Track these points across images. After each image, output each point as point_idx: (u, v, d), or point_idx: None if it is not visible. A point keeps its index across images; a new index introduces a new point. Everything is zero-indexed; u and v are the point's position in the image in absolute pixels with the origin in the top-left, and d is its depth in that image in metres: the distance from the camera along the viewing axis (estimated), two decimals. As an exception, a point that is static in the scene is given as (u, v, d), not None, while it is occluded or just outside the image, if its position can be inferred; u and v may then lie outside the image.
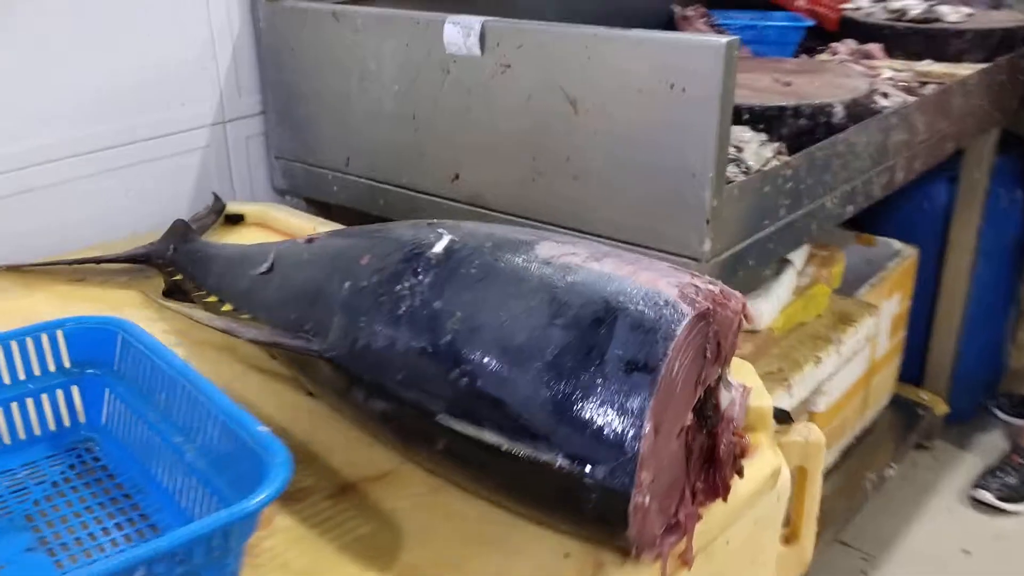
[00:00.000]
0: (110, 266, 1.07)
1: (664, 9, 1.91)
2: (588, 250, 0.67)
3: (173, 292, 0.98)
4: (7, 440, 0.72)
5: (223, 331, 0.75)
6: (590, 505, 0.58)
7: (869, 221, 1.90)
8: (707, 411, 0.65)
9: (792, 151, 1.14)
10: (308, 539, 0.64)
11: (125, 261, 1.04)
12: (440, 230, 0.72)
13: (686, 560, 0.64)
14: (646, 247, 1.00)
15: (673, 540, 0.62)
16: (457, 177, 1.15)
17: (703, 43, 0.90)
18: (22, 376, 0.72)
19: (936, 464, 2.04)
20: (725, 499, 0.66)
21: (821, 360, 1.29)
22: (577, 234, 1.04)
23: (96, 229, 1.20)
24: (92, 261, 1.05)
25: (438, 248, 0.69)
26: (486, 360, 0.61)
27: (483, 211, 1.13)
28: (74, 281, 1.05)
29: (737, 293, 0.67)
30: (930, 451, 2.06)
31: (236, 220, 1.23)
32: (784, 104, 1.18)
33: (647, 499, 0.57)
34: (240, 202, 1.30)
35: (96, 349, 0.74)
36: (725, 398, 0.67)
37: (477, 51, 1.06)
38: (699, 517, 0.64)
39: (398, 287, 0.68)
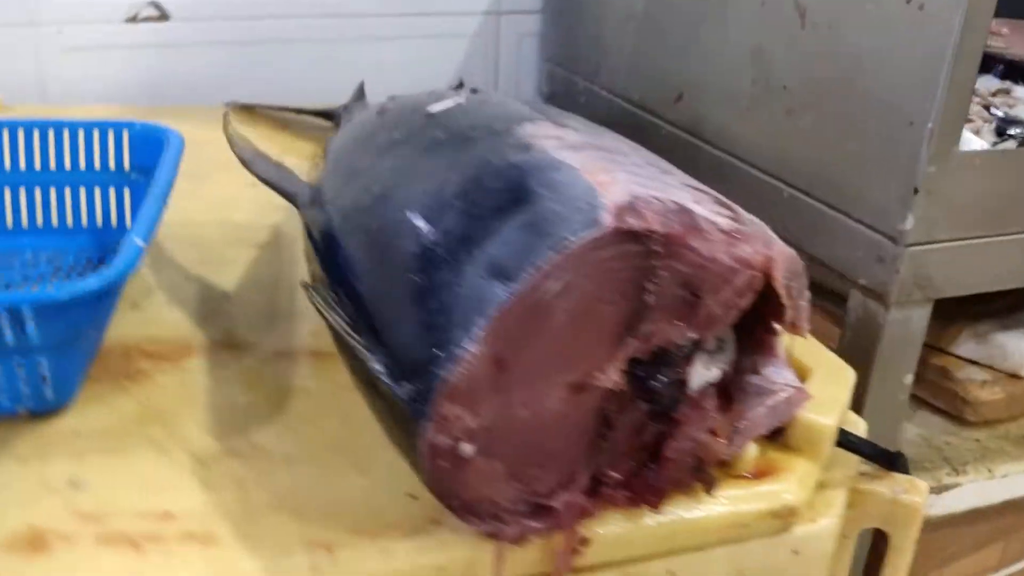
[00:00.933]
0: (317, 122, 1.07)
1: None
2: (583, 139, 0.51)
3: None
4: (55, 223, 0.74)
5: (240, 159, 0.70)
6: (403, 434, 0.43)
7: None
8: (659, 383, 0.46)
9: None
10: (194, 386, 0.57)
11: (314, 115, 1.04)
12: (458, 98, 0.59)
13: (564, 566, 0.46)
14: (844, 212, 0.77)
15: (534, 526, 0.45)
16: (680, 98, 0.98)
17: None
18: (82, 166, 0.73)
19: None
20: (654, 507, 0.47)
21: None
22: (780, 183, 0.83)
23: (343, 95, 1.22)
24: (293, 110, 1.07)
25: (436, 107, 0.57)
26: (374, 232, 0.49)
27: (698, 141, 0.95)
28: (279, 127, 1.08)
29: (777, 244, 0.47)
30: None
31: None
32: None
33: (466, 447, 0.42)
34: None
35: (154, 158, 0.72)
36: (698, 376, 0.47)
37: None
38: (591, 513, 0.46)
39: (373, 141, 0.57)
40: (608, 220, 0.41)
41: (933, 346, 0.91)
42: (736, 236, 0.45)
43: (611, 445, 0.46)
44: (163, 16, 1.14)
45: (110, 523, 0.45)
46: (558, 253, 0.40)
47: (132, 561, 0.43)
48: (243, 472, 0.49)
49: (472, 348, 0.40)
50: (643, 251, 0.43)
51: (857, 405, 0.78)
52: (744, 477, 0.52)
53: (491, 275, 0.41)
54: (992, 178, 0.72)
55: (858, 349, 0.78)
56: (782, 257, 0.47)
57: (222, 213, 0.81)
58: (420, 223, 0.46)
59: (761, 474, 0.52)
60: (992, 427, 0.89)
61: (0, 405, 0.51)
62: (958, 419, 0.90)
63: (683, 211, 0.44)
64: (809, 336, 0.62)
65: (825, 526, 0.54)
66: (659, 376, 0.46)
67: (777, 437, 0.55)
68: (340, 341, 0.47)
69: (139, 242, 0.52)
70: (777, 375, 0.54)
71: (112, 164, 0.74)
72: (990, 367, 0.89)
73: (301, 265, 0.61)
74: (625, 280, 0.43)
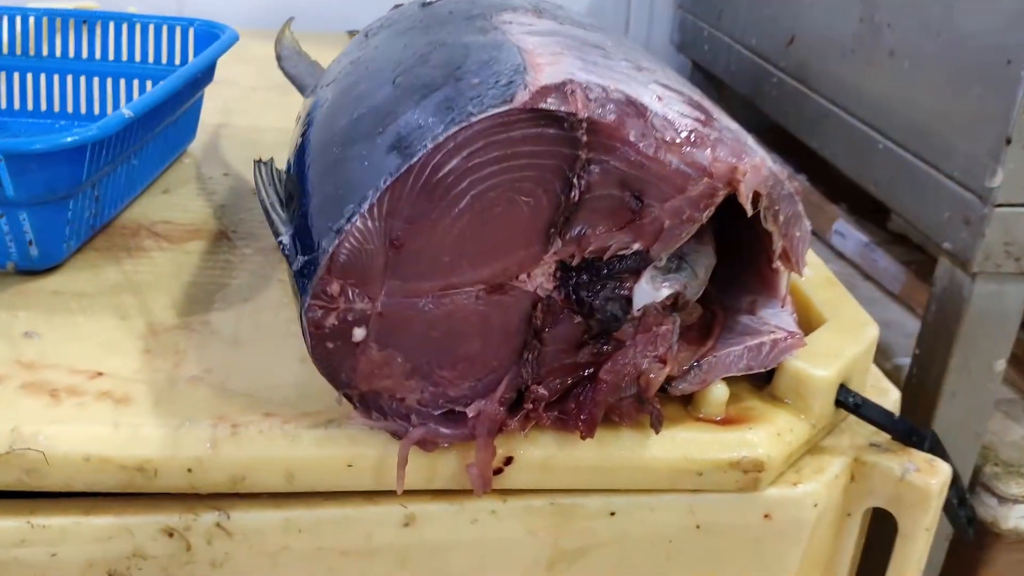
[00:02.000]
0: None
1: None
2: (551, 26, 0.46)
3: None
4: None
5: (277, 55, 0.69)
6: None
7: None
8: (598, 296, 0.42)
9: None
10: (183, 266, 0.57)
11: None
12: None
13: (479, 478, 0.43)
14: (935, 166, 0.68)
15: (445, 434, 0.42)
16: (792, 40, 0.90)
17: None
18: (151, 59, 0.76)
19: None
20: (583, 435, 0.43)
21: None
22: (876, 133, 0.75)
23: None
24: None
25: (431, -3, 0.54)
26: (327, 110, 0.46)
27: (804, 90, 0.87)
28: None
29: (750, 155, 0.41)
30: None
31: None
32: None
33: (353, 329, 0.39)
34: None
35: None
36: (643, 293, 0.42)
37: None
38: (505, 426, 0.42)
39: (366, 40, 0.55)
40: (522, 96, 0.37)
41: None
42: (695, 140, 0.40)
43: (540, 358, 0.42)
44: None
45: (42, 373, 0.46)
46: (458, 127, 0.37)
47: (43, 408, 0.43)
48: (185, 345, 0.49)
49: (358, 222, 0.37)
50: (566, 138, 0.38)
51: (934, 391, 0.70)
52: (710, 421, 0.46)
53: (392, 149, 0.38)
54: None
55: (943, 325, 0.69)
56: (755, 171, 0.41)
57: (290, 122, 0.82)
58: (359, 100, 0.44)
59: (730, 421, 0.46)
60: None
61: (-13, 257, 0.53)
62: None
63: (628, 103, 0.39)
64: (839, 285, 0.55)
65: (806, 492, 0.47)
66: (596, 287, 0.42)
67: (765, 386, 0.49)
68: (268, 219, 0.45)
69: (127, 112, 0.53)
70: (772, 317, 0.48)
71: (179, 59, 0.76)
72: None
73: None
74: (546, 169, 0.39)
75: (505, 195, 0.38)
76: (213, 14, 1.16)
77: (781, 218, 0.44)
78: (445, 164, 0.37)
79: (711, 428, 0.46)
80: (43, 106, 0.76)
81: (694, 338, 0.46)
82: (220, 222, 0.63)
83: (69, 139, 0.49)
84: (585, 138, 0.38)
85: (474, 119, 0.37)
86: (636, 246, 0.41)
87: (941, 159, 0.66)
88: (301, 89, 0.63)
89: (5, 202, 0.51)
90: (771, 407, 0.48)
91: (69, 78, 0.76)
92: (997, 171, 0.60)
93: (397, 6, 0.59)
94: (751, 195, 0.41)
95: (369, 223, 0.37)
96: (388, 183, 0.37)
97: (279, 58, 0.67)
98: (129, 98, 0.76)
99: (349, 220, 0.37)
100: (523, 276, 0.41)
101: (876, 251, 0.96)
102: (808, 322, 0.52)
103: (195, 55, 0.75)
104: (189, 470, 0.42)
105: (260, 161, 0.49)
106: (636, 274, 0.42)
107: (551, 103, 0.37)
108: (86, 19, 0.76)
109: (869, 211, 0.94)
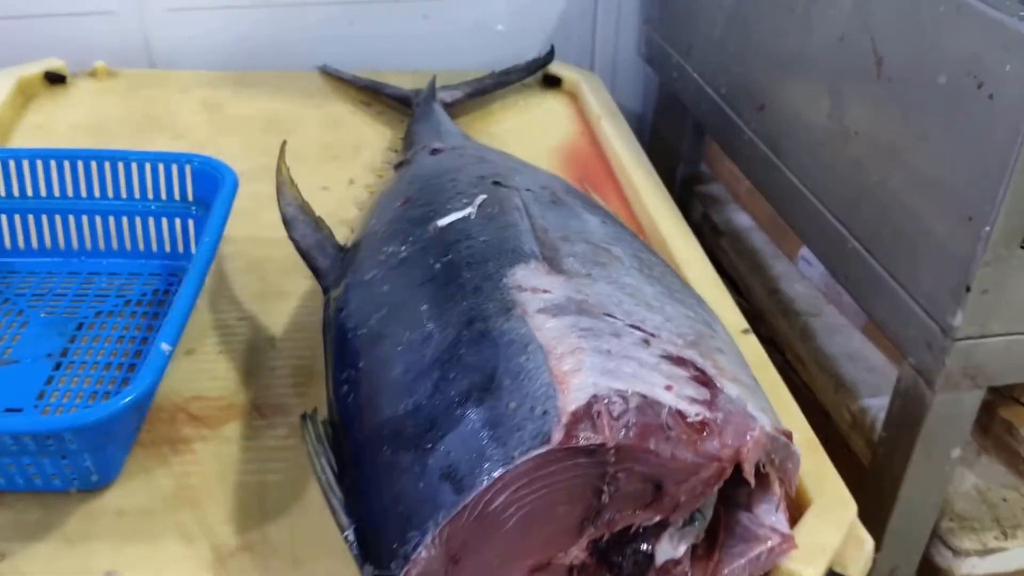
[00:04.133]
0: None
1: None
2: (570, 292, 0.51)
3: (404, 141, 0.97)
4: (128, 247, 0.79)
5: (283, 217, 0.72)
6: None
7: None
8: (627, 557, 0.48)
9: None
10: (228, 460, 0.62)
11: (391, 98, 1.05)
12: (478, 199, 0.59)
13: None
14: (900, 284, 0.73)
15: None
16: (762, 108, 0.94)
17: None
18: (151, 195, 0.78)
19: None
20: None
21: None
22: (845, 231, 0.80)
23: (440, 58, 1.20)
24: (374, 89, 1.08)
25: (443, 221, 0.58)
26: (365, 374, 0.51)
27: (774, 158, 0.92)
28: (363, 102, 1.09)
29: (751, 429, 0.47)
30: None
31: (554, 83, 1.15)
32: None
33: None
34: (568, 65, 1.19)
35: (213, 190, 0.76)
36: (665, 551, 0.49)
37: (812, -40, 0.82)
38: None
39: (384, 248, 0.59)
40: (558, 437, 0.43)
41: (1006, 394, 0.87)
42: (704, 430, 0.46)
43: (579, 614, 0.49)
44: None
45: (131, 622, 0.52)
46: (507, 470, 0.42)
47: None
48: (251, 571, 0.55)
49: (423, 552, 0.43)
50: (597, 461, 0.44)
51: (900, 472, 0.78)
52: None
53: (446, 479, 0.44)
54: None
55: (905, 419, 0.76)
56: (756, 446, 0.47)
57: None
58: (402, 389, 0.48)
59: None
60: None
61: (53, 485, 0.58)
62: (1019, 472, 0.87)
63: (645, 408, 0.45)
64: (820, 450, 0.62)
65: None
66: (623, 550, 0.48)
67: None
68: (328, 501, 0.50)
69: (166, 348, 0.57)
70: (767, 516, 0.54)
71: (177, 195, 0.78)
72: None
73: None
74: (579, 486, 0.44)
75: (546, 508, 0.44)
76: (182, 58, 1.16)
77: (777, 462, 0.50)
78: (494, 500, 0.43)
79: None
80: (48, 244, 0.79)
81: (703, 550, 0.53)
82: (248, 392, 0.68)
83: (127, 400, 0.53)
84: (613, 458, 0.44)
85: (519, 461, 0.42)
86: (657, 518, 0.47)
87: (909, 282, 0.72)
88: (315, 270, 0.66)
89: (69, 453, 0.55)
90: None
91: (71, 218, 0.78)
92: (958, 312, 0.67)
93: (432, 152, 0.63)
94: (753, 465, 0.47)
95: (432, 551, 0.43)
96: (446, 520, 0.43)
97: (287, 223, 0.70)
98: (132, 234, 0.78)
99: (415, 549, 0.43)
100: (561, 555, 0.47)
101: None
102: (798, 499, 0.59)
103: (193, 191, 0.77)
104: None
105: (306, 417, 0.54)
106: (656, 534, 0.48)
107: (584, 436, 0.43)
108: (82, 158, 0.78)
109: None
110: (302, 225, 0.69)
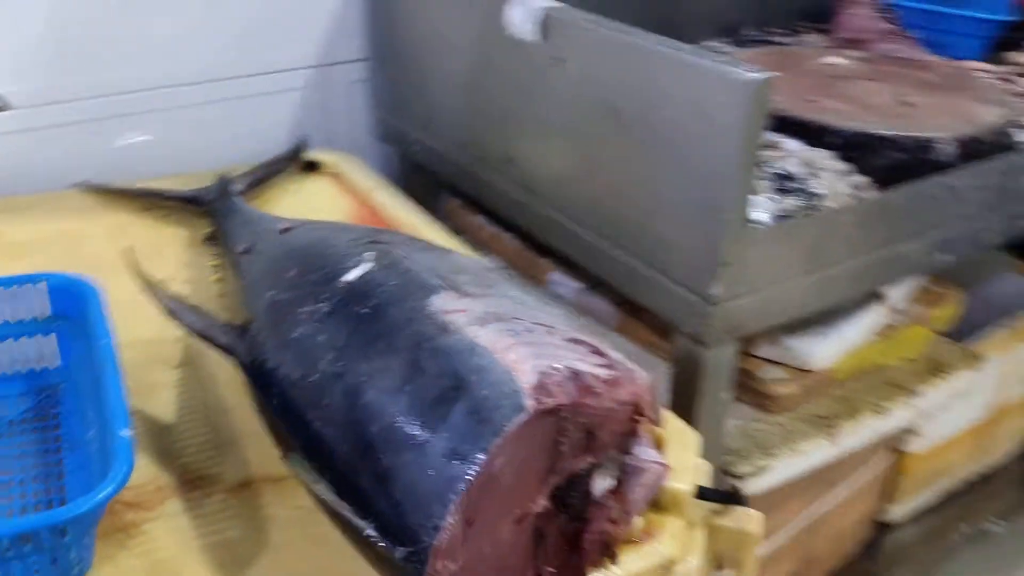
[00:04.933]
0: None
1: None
2: (482, 307, 0.65)
3: (211, 239, 1.04)
4: (-4, 370, 0.80)
5: (169, 311, 0.79)
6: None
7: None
8: (574, 496, 0.63)
9: (883, 187, 1.03)
10: (184, 532, 0.68)
11: (178, 200, 1.11)
12: (367, 253, 0.71)
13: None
14: (666, 276, 0.95)
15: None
16: (510, 160, 1.13)
17: (731, 77, 0.82)
18: (6, 318, 0.80)
19: (1067, 525, 1.83)
20: (583, 583, 0.64)
21: (886, 411, 1.18)
22: (606, 245, 1.01)
23: (194, 159, 1.27)
24: (152, 195, 1.13)
25: (351, 276, 0.70)
26: (336, 409, 0.61)
27: (530, 201, 1.11)
28: (142, 209, 1.14)
29: (636, 380, 0.63)
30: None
31: (312, 167, 1.27)
32: (881, 132, 1.06)
33: (449, 583, 0.57)
34: (335, 147, 1.33)
35: (74, 303, 0.80)
36: (599, 485, 0.64)
37: (536, 37, 1.02)
38: (534, 604, 0.62)
39: (303, 309, 0.69)
40: (531, 405, 0.57)
41: (741, 350, 1.12)
42: (616, 384, 0.62)
43: (545, 549, 0.62)
44: (4, 107, 1.16)
45: None
46: (500, 437, 0.55)
47: None
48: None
49: (450, 519, 0.55)
50: (556, 417, 0.58)
51: (690, 421, 0.98)
52: (635, 542, 0.69)
53: (452, 458, 0.56)
54: (776, 243, 0.92)
55: (685, 375, 0.98)
56: (646, 388, 0.64)
57: (131, 330, 0.89)
58: (381, 407, 0.59)
59: (647, 535, 0.70)
60: (791, 412, 1.12)
61: (37, 586, 0.61)
62: (764, 409, 1.12)
63: (576, 376, 0.60)
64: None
65: (694, 564, 0.72)
66: (572, 494, 0.62)
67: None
68: (325, 504, 0.60)
69: (127, 433, 0.63)
70: (644, 453, 0.71)
71: (35, 313, 0.81)
72: (784, 364, 1.12)
73: (220, 385, 0.77)
74: (548, 440, 0.58)
75: (525, 463, 0.58)
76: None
77: (654, 403, 0.67)
78: (493, 465, 0.56)
79: (639, 547, 0.69)
80: None
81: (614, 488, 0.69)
82: (169, 472, 0.73)
83: (119, 479, 0.58)
84: (565, 416, 0.58)
85: (509, 429, 0.56)
86: (591, 460, 0.62)
87: (672, 270, 0.94)
88: (221, 347, 0.74)
89: (59, 547, 0.59)
90: (662, 517, 0.71)
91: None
92: (717, 283, 0.89)
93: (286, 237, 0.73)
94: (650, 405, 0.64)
95: (453, 518, 0.55)
96: (462, 488, 0.55)
97: (173, 314, 0.76)
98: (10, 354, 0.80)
99: (442, 519, 0.54)
100: (532, 505, 0.60)
101: (590, 296, 1.24)
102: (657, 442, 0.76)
103: (52, 306, 0.80)
104: None
105: (291, 456, 0.63)
106: (590, 475, 0.63)
107: (546, 402, 0.57)
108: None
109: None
110: (187, 313, 0.76)
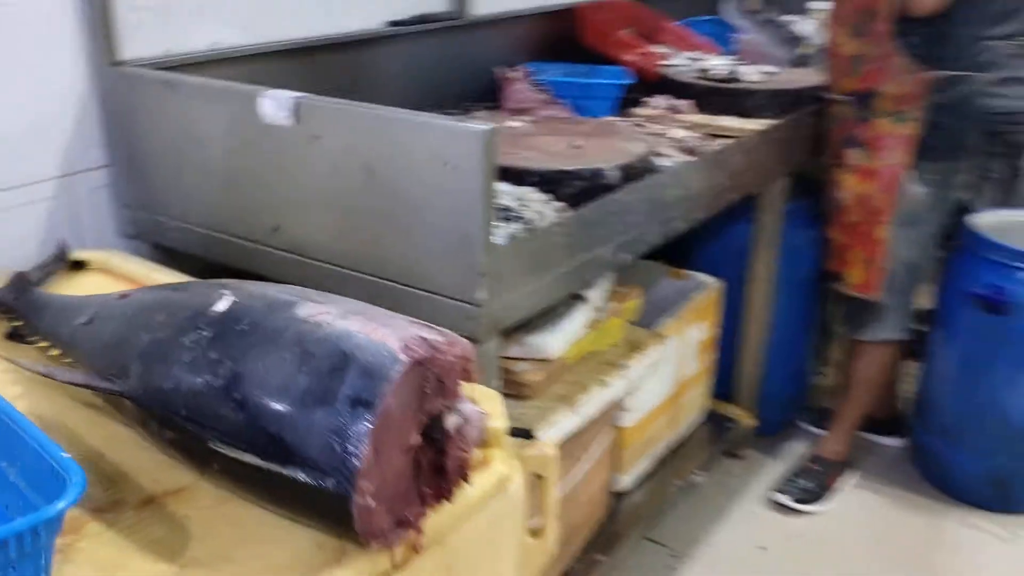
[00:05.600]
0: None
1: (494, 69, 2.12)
2: (340, 308, 0.85)
3: (14, 336, 1.12)
4: None
5: (44, 375, 0.90)
6: (327, 507, 0.75)
7: (685, 257, 2.14)
8: (435, 433, 0.84)
9: (576, 208, 1.35)
10: (114, 541, 0.80)
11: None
12: (224, 291, 0.88)
13: (416, 548, 0.81)
14: (438, 294, 1.18)
15: (403, 533, 0.80)
16: (278, 228, 1.32)
17: (466, 130, 1.09)
18: None
19: (746, 472, 2.28)
20: (450, 501, 0.85)
21: (608, 384, 1.50)
22: (381, 281, 1.23)
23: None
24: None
25: (219, 307, 0.86)
26: (249, 398, 0.78)
27: (303, 259, 1.30)
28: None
29: (463, 341, 0.86)
30: (742, 460, 2.31)
31: (80, 266, 1.36)
32: (565, 168, 1.39)
33: (370, 502, 0.75)
34: (86, 249, 1.42)
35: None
36: (451, 422, 0.85)
37: (291, 122, 1.23)
38: (426, 515, 0.82)
39: (185, 339, 0.84)
40: (404, 359, 0.77)
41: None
42: (450, 345, 0.84)
43: (422, 474, 0.82)
44: None
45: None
46: (390, 383, 0.76)
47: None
48: (205, 576, 0.76)
49: (364, 449, 0.74)
50: (422, 368, 0.79)
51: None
52: (477, 468, 0.91)
53: (356, 406, 0.75)
54: (513, 257, 1.20)
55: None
56: (471, 348, 0.87)
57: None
58: (286, 388, 0.77)
59: (484, 463, 0.92)
60: (542, 395, 1.40)
61: (4, 603, 0.70)
62: (522, 396, 1.39)
63: (425, 340, 0.82)
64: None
65: (518, 481, 0.95)
66: (434, 431, 0.83)
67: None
68: (251, 479, 0.76)
69: (67, 455, 0.74)
70: (467, 407, 0.94)
71: None
72: (529, 359, 1.40)
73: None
74: (418, 385, 0.79)
75: (406, 403, 0.78)
76: None
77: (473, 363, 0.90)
78: (388, 404, 0.76)
79: (482, 471, 0.91)
80: None
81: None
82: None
83: (79, 488, 0.70)
84: (425, 366, 0.80)
85: (396, 376, 0.76)
86: (444, 403, 0.84)
87: (442, 289, 1.18)
88: (94, 387, 0.86)
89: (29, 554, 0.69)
90: (492, 450, 0.94)
91: None
92: (482, 290, 1.14)
93: (128, 301, 0.87)
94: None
95: (368, 447, 0.74)
96: (371, 425, 0.74)
97: (48, 375, 0.87)
98: None
99: (359, 449, 0.73)
100: (411, 439, 0.81)
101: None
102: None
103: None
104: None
105: (212, 444, 0.77)
106: (444, 416, 0.85)
107: (414, 355, 0.78)
108: None
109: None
110: (61, 372, 0.87)
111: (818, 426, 2.40)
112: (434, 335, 0.83)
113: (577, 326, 1.49)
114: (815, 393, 2.50)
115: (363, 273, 1.24)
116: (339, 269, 1.27)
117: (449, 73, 1.99)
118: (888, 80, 1.95)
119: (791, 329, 2.29)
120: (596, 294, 1.58)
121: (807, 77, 2.17)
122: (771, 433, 2.38)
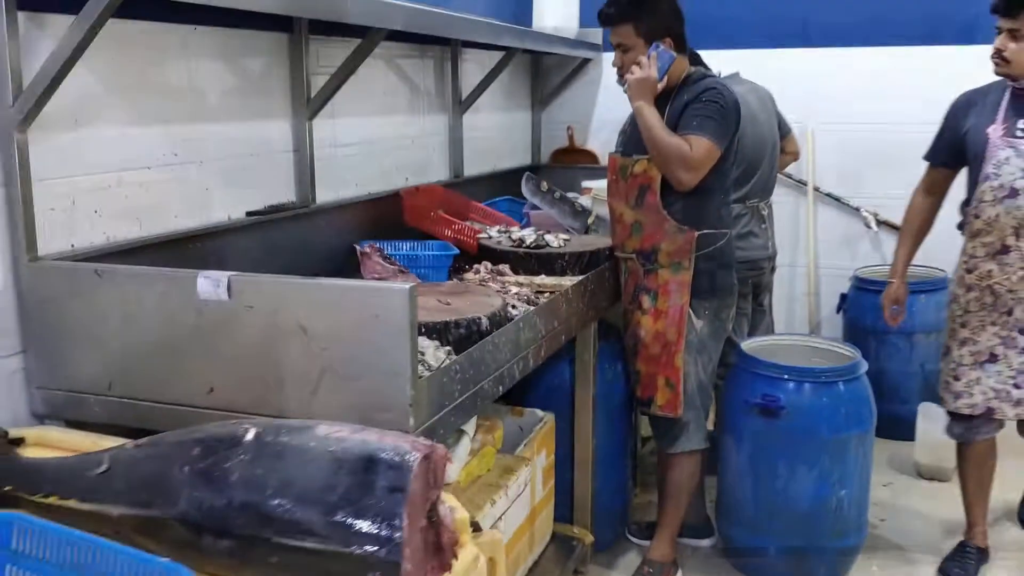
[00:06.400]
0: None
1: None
2: (350, 427, 1.08)
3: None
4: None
5: (90, 513, 1.04)
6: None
7: (520, 397, 2.46)
8: (433, 517, 1.07)
9: (458, 352, 1.63)
10: None
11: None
12: (246, 425, 1.09)
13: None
14: (371, 425, 1.41)
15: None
16: (212, 390, 1.50)
17: (392, 288, 1.37)
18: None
19: (590, 585, 2.55)
20: (448, 570, 1.07)
21: (495, 502, 1.75)
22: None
23: None
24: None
25: (249, 436, 1.07)
26: (303, 497, 0.99)
27: (236, 414, 1.49)
28: None
29: (439, 445, 1.11)
30: (585, 575, 2.58)
31: (18, 442, 1.46)
32: (447, 319, 1.68)
33: (410, 567, 0.97)
34: (19, 427, 1.52)
35: (-13, 539, 1.00)
36: (442, 510, 1.10)
37: (225, 297, 1.45)
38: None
39: (228, 464, 1.04)
40: (417, 454, 1.02)
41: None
42: (435, 445, 1.09)
43: (429, 548, 1.05)
44: None
45: None
46: (413, 471, 1.00)
47: None
48: None
49: (405, 521, 0.97)
50: (428, 461, 1.04)
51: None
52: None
53: (393, 491, 0.98)
54: (428, 388, 1.46)
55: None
56: (443, 450, 1.12)
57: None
58: (330, 487, 0.99)
59: (462, 544, 1.15)
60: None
61: None
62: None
63: (420, 442, 1.07)
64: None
65: (482, 561, 1.19)
66: (432, 515, 1.07)
67: (444, 531, 1.18)
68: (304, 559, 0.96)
69: (164, 559, 0.91)
70: (445, 500, 1.18)
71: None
72: (433, 483, 1.63)
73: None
74: (427, 474, 1.04)
75: (424, 488, 1.02)
76: None
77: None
78: (412, 489, 0.99)
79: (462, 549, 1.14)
80: None
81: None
82: None
83: None
84: (426, 459, 1.05)
85: (415, 467, 1.00)
86: (437, 492, 1.08)
87: (374, 421, 1.41)
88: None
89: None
90: (462, 535, 1.17)
91: None
92: (411, 418, 1.39)
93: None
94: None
95: (404, 519, 0.97)
96: (405, 504, 0.97)
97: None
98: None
99: (400, 522, 0.96)
100: (423, 520, 1.04)
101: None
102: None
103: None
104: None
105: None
106: (437, 503, 1.09)
107: (425, 451, 1.03)
108: None
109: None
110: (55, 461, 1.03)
111: (641, 537, 2.73)
112: (423, 440, 1.09)
113: (463, 453, 1.74)
114: (633, 508, 2.84)
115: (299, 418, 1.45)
116: (277, 419, 1.46)
117: (303, 253, 2.25)
118: (663, 239, 2.42)
119: (613, 451, 2.64)
120: (469, 427, 1.85)
121: (598, 240, 2.63)
122: (605, 548, 2.67)
